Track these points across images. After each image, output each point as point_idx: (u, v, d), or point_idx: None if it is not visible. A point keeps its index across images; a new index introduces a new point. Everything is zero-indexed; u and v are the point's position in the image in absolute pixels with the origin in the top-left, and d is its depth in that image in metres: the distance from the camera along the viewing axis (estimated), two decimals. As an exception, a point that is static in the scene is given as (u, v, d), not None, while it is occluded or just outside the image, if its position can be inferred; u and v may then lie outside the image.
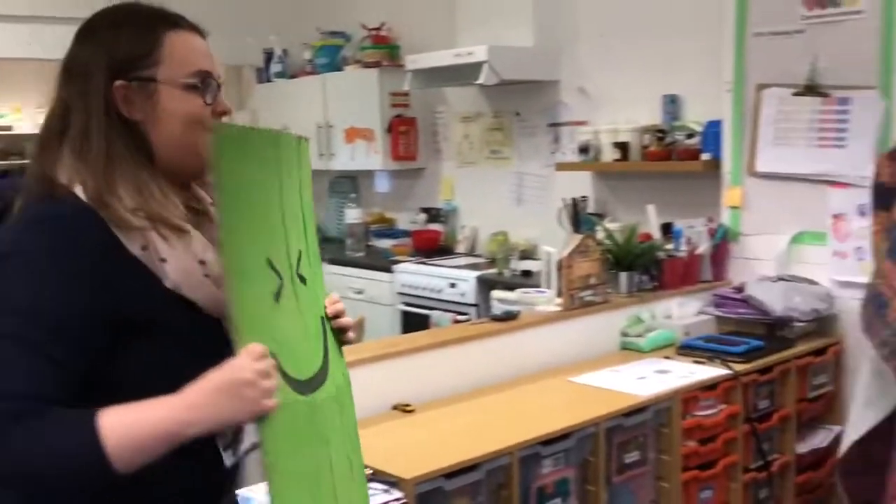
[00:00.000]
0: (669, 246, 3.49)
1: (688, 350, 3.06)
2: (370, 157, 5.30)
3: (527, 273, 4.25)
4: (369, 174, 5.73)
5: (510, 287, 3.56)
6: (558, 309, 3.02)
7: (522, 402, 2.60)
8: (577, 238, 3.12)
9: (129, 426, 1.14)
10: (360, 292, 4.99)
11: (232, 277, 1.23)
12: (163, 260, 1.24)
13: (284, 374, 1.26)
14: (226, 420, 1.20)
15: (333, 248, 5.47)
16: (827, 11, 3.29)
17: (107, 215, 1.22)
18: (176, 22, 1.32)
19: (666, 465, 2.65)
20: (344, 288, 4.94)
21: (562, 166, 4.34)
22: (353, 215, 5.46)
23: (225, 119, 1.35)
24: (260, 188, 1.30)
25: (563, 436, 2.35)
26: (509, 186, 4.84)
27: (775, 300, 3.19)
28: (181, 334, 1.27)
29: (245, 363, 1.18)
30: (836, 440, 3.06)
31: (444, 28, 4.75)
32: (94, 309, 1.19)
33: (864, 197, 2.90)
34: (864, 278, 2.75)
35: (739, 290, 3.38)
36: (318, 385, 1.36)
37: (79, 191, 1.23)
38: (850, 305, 3.12)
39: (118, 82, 1.26)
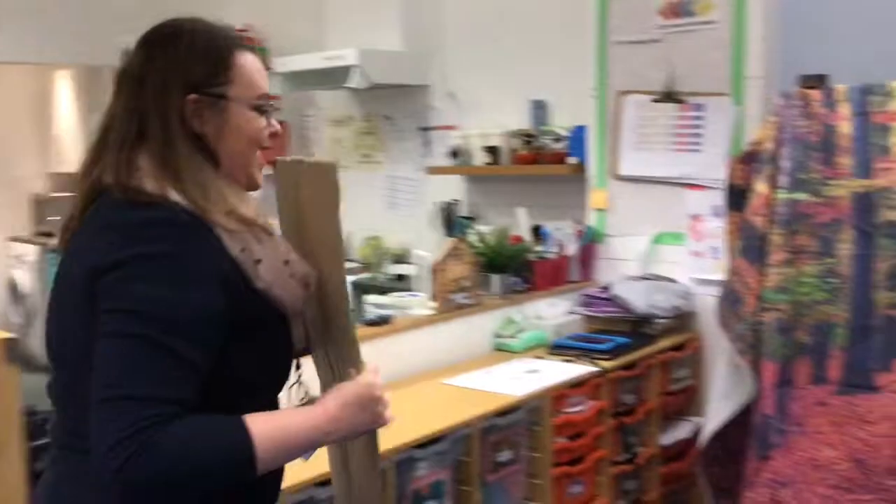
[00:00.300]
0: (539, 248, 3.58)
1: (558, 349, 3.14)
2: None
3: (400, 277, 4.26)
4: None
5: (384, 291, 3.56)
6: (432, 312, 3.04)
7: (397, 407, 2.54)
8: (450, 241, 3.15)
9: (276, 432, 1.20)
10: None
11: (342, 297, 1.34)
12: (258, 261, 1.28)
13: None
14: (359, 430, 1.32)
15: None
16: (682, 21, 3.45)
17: (209, 220, 1.26)
18: (241, 42, 1.38)
19: (538, 462, 2.71)
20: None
21: (433, 170, 4.38)
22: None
23: (274, 136, 1.40)
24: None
25: (437, 438, 2.36)
26: (381, 191, 4.84)
27: (638, 298, 3.31)
28: (271, 332, 1.32)
29: (375, 380, 1.32)
30: (697, 431, 3.20)
31: (312, 30, 4.71)
32: (217, 309, 1.22)
33: (719, 198, 3.06)
34: (720, 276, 2.89)
35: (606, 289, 3.49)
36: None
37: (175, 197, 1.25)
38: (707, 302, 3.27)
39: (192, 96, 1.30)
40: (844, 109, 2.70)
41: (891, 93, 2.67)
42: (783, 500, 2.29)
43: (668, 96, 3.50)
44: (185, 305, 1.19)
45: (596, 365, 2.95)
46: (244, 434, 1.17)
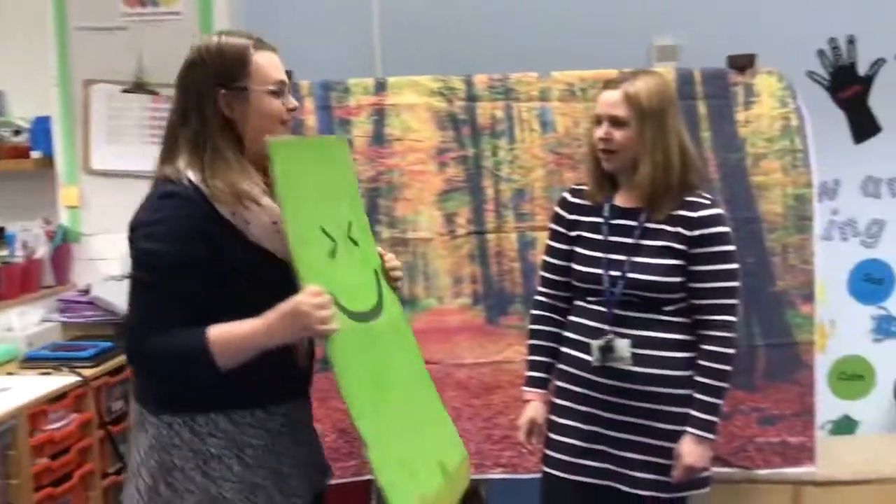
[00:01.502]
0: (4, 252, 3.22)
1: (32, 362, 2.86)
2: None
3: None
4: None
5: None
6: None
7: None
8: None
9: (227, 337, 1.71)
10: None
11: (291, 244, 1.74)
12: (247, 222, 1.77)
13: (342, 308, 1.82)
14: (292, 337, 1.76)
15: None
16: (147, 10, 3.35)
17: (208, 192, 1.74)
18: (261, 45, 1.84)
19: (15, 489, 2.44)
20: None
21: None
22: None
23: (292, 112, 1.88)
24: (308, 178, 1.87)
25: None
26: None
27: (121, 300, 3.15)
28: (263, 275, 1.78)
29: (303, 298, 1.69)
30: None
31: None
32: (195, 258, 1.72)
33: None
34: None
35: (85, 292, 3.27)
36: (375, 317, 1.96)
37: (192, 175, 1.75)
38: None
39: (222, 91, 1.77)
40: (309, 104, 2.87)
41: (349, 89, 2.90)
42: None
43: (139, 87, 3.38)
44: (173, 257, 1.71)
45: (77, 374, 2.75)
46: (202, 336, 1.70)
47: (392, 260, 2.11)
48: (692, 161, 2.18)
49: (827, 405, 3.27)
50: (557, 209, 2.36)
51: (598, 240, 2.22)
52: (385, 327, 2.01)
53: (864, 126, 3.40)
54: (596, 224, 2.24)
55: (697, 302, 2.15)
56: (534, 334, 2.37)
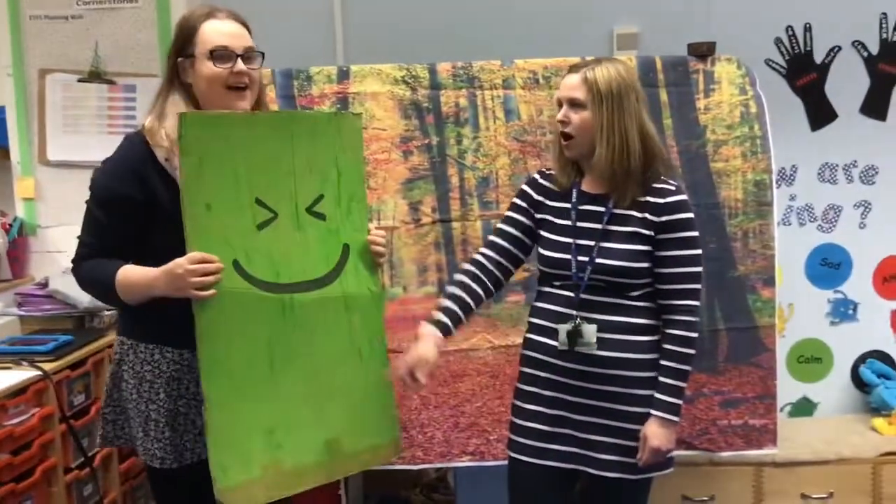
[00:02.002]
0: (-42, 246, 3.15)
1: (-10, 357, 2.80)
2: None
3: None
4: None
5: None
6: None
7: None
8: None
9: (126, 277, 2.01)
10: None
11: (185, 210, 1.93)
12: (176, 168, 1.98)
13: (247, 276, 2.01)
14: (170, 293, 1.95)
15: None
16: (104, -1, 3.30)
17: (150, 140, 2.02)
18: (212, 14, 2.07)
19: (-24, 486, 2.40)
20: None
21: None
22: None
23: (241, 77, 2.06)
24: (235, 151, 2.00)
25: None
26: None
27: (80, 292, 3.08)
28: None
29: (181, 261, 1.92)
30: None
31: None
32: (132, 194, 2.00)
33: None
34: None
35: (43, 285, 3.21)
36: (310, 288, 2.12)
37: (147, 123, 2.05)
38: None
39: (179, 59, 2.07)
40: (271, 92, 2.85)
41: (311, 77, 2.88)
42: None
43: (96, 76, 3.32)
44: (108, 189, 2.02)
45: (37, 368, 2.70)
46: (113, 272, 2.00)
47: (374, 235, 2.25)
48: (655, 148, 2.19)
49: (786, 388, 3.32)
50: (525, 186, 2.35)
51: (565, 225, 2.23)
52: (317, 301, 2.12)
53: (820, 113, 3.45)
54: (563, 209, 2.25)
55: (663, 287, 2.18)
56: (456, 284, 2.30)
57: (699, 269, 2.19)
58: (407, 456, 2.79)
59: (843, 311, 3.53)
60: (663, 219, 2.15)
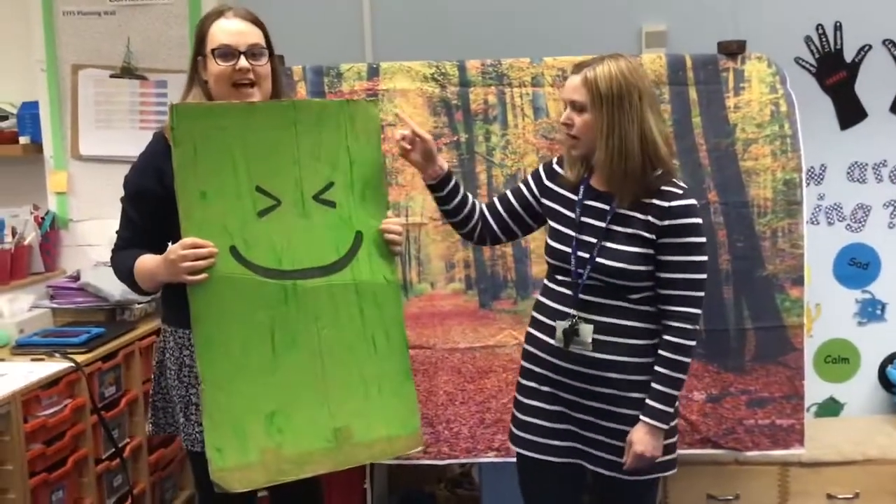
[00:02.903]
0: (-9, 239, 3.20)
1: (24, 348, 2.84)
2: None
3: None
4: None
5: None
6: None
7: None
8: None
9: (139, 266, 2.12)
10: None
11: (179, 198, 2.01)
12: None
13: (245, 262, 2.07)
14: (169, 279, 2.07)
15: None
16: (137, -5, 3.33)
17: (168, 136, 2.04)
18: (221, 14, 2.15)
19: (9, 475, 2.43)
20: None
21: None
22: None
23: (243, 74, 2.12)
24: (232, 140, 2.05)
25: None
26: None
27: (112, 285, 3.14)
28: None
29: (175, 247, 2.02)
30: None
31: None
32: (153, 189, 2.10)
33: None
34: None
35: (75, 278, 3.26)
36: (316, 276, 2.14)
37: (166, 124, 2.09)
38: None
39: (198, 57, 2.16)
40: (302, 89, 2.87)
41: (342, 74, 2.90)
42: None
43: (128, 72, 3.36)
44: (133, 184, 2.15)
45: (69, 360, 2.74)
46: (132, 262, 2.12)
47: (389, 223, 2.25)
48: (655, 150, 2.10)
49: (812, 388, 3.31)
50: (540, 169, 2.33)
51: (570, 217, 2.20)
52: (324, 288, 2.15)
53: (850, 112, 3.43)
54: (571, 201, 2.22)
55: (663, 292, 2.12)
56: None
57: (702, 276, 2.12)
58: (432, 451, 2.81)
59: (871, 311, 3.51)
60: (666, 223, 2.09)
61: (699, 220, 2.12)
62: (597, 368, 2.14)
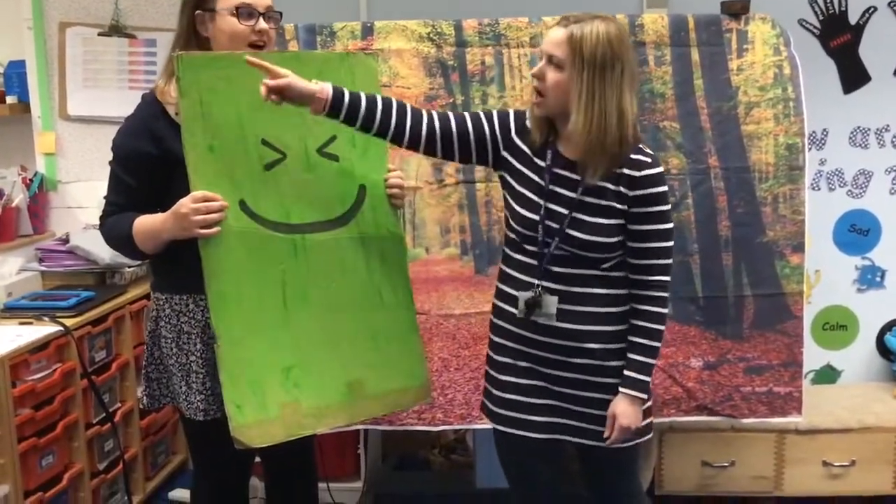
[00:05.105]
0: (-22, 200, 3.14)
1: (12, 311, 2.81)
2: None
3: None
4: None
5: None
6: None
7: None
8: None
9: (139, 226, 2.05)
10: None
11: (186, 151, 1.96)
12: None
13: (254, 215, 2.03)
14: (178, 235, 1.99)
15: None
16: (125, -50, 3.24)
17: (161, 99, 2.06)
18: None
19: (-1, 440, 2.41)
20: None
21: None
22: None
23: (262, 35, 2.07)
24: (237, 92, 1.99)
25: None
26: None
27: (102, 248, 3.09)
28: None
29: (184, 201, 1.96)
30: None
31: None
32: (148, 150, 2.04)
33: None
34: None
35: (64, 241, 3.21)
36: (323, 229, 2.13)
37: (161, 81, 2.10)
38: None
39: (197, 12, 2.06)
40: (294, 48, 2.80)
41: (335, 33, 2.83)
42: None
43: (116, 30, 3.28)
44: (125, 148, 2.07)
45: (58, 324, 2.70)
46: (129, 224, 2.05)
47: (393, 177, 2.25)
48: (629, 128, 2.00)
49: (809, 355, 3.27)
50: (510, 117, 2.16)
51: (537, 183, 2.09)
52: (331, 241, 2.14)
53: (853, 75, 3.36)
54: (537, 166, 2.10)
55: (634, 261, 2.07)
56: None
57: (671, 243, 2.08)
58: (427, 417, 2.79)
59: (871, 278, 3.47)
60: (638, 192, 2.02)
61: (667, 188, 2.06)
62: (565, 339, 2.08)
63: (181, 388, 2.14)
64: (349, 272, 2.18)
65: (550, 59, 2.00)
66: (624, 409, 2.08)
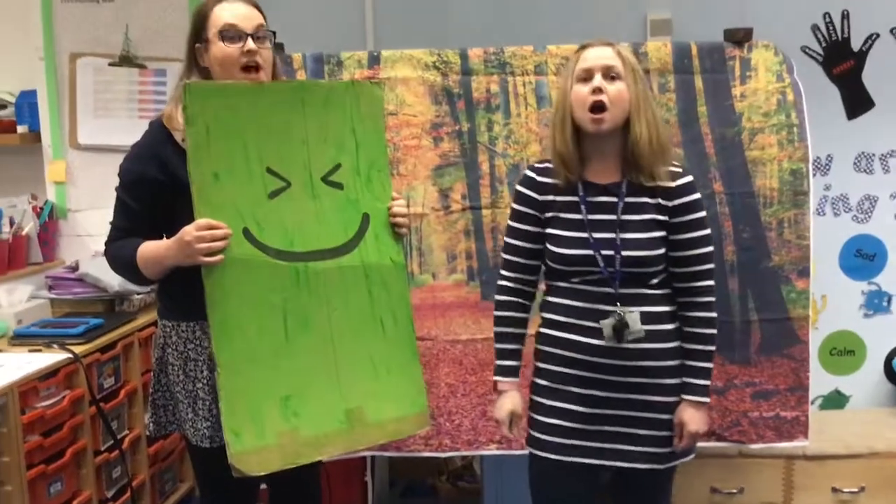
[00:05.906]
0: (-10, 228, 3.17)
1: (22, 339, 2.82)
2: None
3: None
4: None
5: None
6: None
7: None
8: None
9: (143, 252, 2.06)
10: None
11: (192, 179, 1.97)
12: None
13: (257, 243, 2.04)
14: (181, 262, 2.00)
15: None
16: (135, -18, 3.30)
17: (168, 125, 2.08)
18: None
19: (6, 467, 2.41)
20: None
21: None
22: None
23: (252, 56, 2.06)
24: (243, 121, 2.03)
25: None
26: None
27: (111, 276, 3.11)
28: None
29: (188, 228, 1.96)
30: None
31: None
32: (155, 176, 2.06)
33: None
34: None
35: (74, 268, 3.23)
36: (325, 258, 2.13)
37: (167, 109, 2.12)
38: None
39: (196, 45, 2.10)
40: (302, 77, 2.83)
41: (342, 62, 2.87)
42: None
43: (127, 60, 3.33)
44: (132, 173, 2.09)
45: (68, 351, 2.71)
46: (134, 250, 2.07)
47: (396, 206, 2.25)
48: (664, 131, 2.15)
49: (817, 380, 3.27)
50: (524, 190, 2.21)
51: (577, 219, 2.13)
52: (334, 270, 2.14)
53: (857, 101, 3.39)
54: (572, 203, 2.14)
55: (680, 270, 2.12)
56: (502, 321, 2.27)
57: (711, 248, 2.15)
58: (434, 443, 2.79)
59: (878, 303, 3.48)
60: (676, 202, 2.10)
61: (700, 195, 2.16)
62: (630, 359, 2.11)
63: (188, 414, 2.14)
64: (351, 301, 2.18)
65: (608, 72, 2.08)
66: (691, 416, 2.12)
